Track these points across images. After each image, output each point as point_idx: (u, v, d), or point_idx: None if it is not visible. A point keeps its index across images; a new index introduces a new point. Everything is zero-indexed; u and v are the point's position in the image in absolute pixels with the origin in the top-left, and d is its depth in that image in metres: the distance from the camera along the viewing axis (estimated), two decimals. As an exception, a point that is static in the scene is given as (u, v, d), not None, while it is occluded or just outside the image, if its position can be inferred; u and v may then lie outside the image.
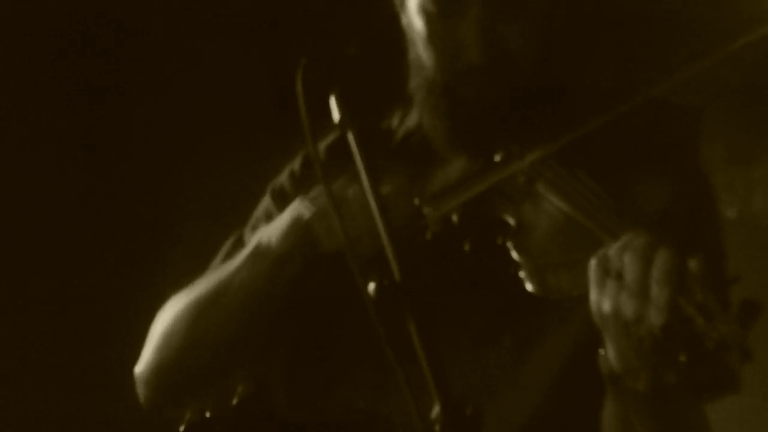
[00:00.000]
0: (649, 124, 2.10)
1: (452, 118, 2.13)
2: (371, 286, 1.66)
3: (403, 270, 1.67)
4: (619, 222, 1.89)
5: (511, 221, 2.00)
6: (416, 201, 2.07)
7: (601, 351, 1.89)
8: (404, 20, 2.20)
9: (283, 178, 2.37)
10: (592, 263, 1.83)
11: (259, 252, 2.15)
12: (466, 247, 2.02)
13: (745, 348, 1.71)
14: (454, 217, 2.04)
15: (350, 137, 1.82)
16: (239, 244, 2.31)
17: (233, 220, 2.42)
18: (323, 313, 2.20)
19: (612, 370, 1.87)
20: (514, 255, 1.96)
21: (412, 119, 2.29)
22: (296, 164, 2.37)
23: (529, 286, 1.95)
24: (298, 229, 2.12)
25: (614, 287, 1.80)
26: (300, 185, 2.30)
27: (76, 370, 3.92)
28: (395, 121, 2.32)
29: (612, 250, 1.82)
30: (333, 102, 1.86)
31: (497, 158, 2.10)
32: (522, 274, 1.96)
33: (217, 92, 4.18)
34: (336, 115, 1.86)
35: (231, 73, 4.17)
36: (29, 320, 3.95)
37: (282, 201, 2.29)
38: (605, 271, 1.82)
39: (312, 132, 1.87)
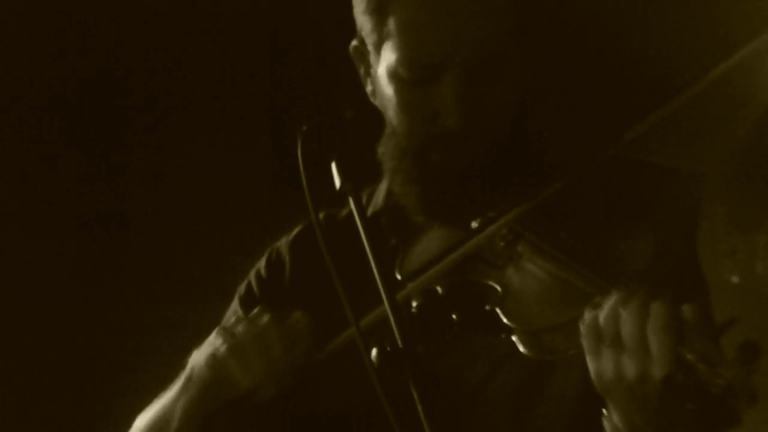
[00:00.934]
0: (645, 187, 2.10)
1: (425, 185, 2.11)
2: (373, 353, 1.65)
3: (404, 336, 1.66)
4: (607, 276, 1.88)
5: (498, 287, 1.98)
6: (398, 276, 2.06)
7: (606, 415, 1.88)
8: (369, 89, 2.20)
9: (251, 279, 2.35)
10: (583, 334, 1.82)
11: (189, 380, 2.14)
12: (454, 317, 2.01)
13: (752, 390, 1.70)
14: (439, 289, 2.02)
15: (352, 202, 1.81)
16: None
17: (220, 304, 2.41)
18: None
19: None
20: (505, 320, 1.94)
21: (379, 197, 2.27)
22: (262, 264, 2.35)
23: (523, 350, 1.94)
24: (213, 363, 2.10)
25: (612, 352, 1.79)
26: (267, 287, 2.31)
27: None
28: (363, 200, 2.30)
29: (601, 315, 1.81)
30: (334, 168, 1.86)
31: (474, 225, 2.08)
32: (514, 338, 1.94)
33: (213, 163, 4.19)
34: (338, 181, 1.85)
35: (229, 139, 4.18)
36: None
37: (250, 306, 2.27)
38: (599, 339, 1.81)
39: (313, 199, 1.87)
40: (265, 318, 2.09)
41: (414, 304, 2.03)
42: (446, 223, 2.12)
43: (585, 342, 1.82)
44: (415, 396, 1.61)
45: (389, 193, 2.25)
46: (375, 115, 2.20)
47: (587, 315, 1.83)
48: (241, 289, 2.36)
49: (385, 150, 2.16)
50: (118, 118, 4.20)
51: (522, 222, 2.02)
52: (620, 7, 4.13)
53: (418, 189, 2.13)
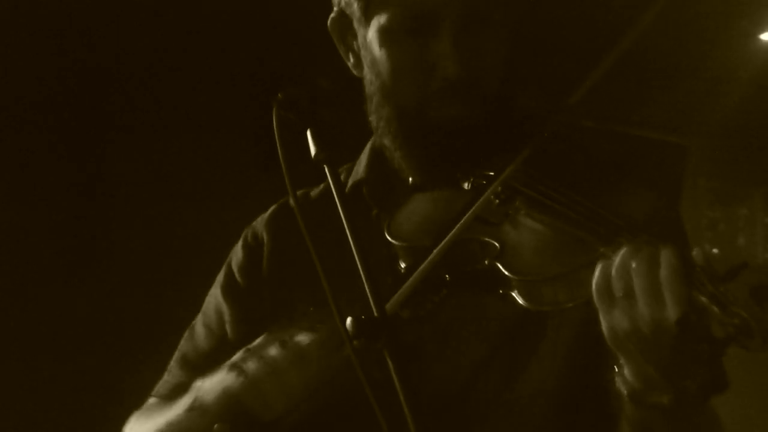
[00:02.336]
0: (634, 156, 2.09)
1: (426, 143, 2.10)
2: (348, 321, 1.63)
3: (381, 306, 1.64)
4: (609, 224, 1.87)
5: (495, 243, 1.96)
6: (389, 239, 2.04)
7: (617, 372, 1.87)
8: (351, 61, 2.19)
9: (230, 265, 2.32)
10: (595, 290, 1.80)
11: (194, 410, 2.06)
12: (447, 277, 1.98)
13: (767, 330, 1.69)
14: (431, 249, 1.98)
15: (327, 170, 1.79)
16: (191, 340, 2.28)
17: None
18: None
19: (633, 389, 1.85)
20: (506, 273, 1.92)
21: (360, 168, 2.26)
22: (238, 248, 2.33)
23: (523, 302, 1.91)
24: (228, 399, 2.01)
25: (625, 304, 1.77)
26: (246, 270, 2.27)
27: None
28: (342, 177, 2.28)
29: (612, 269, 1.79)
30: (309, 136, 1.83)
31: (466, 185, 2.07)
32: (514, 292, 1.92)
33: (199, 140, 4.18)
34: (313, 150, 1.83)
35: (214, 115, 4.17)
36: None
37: (232, 296, 2.26)
38: (611, 294, 1.79)
39: (290, 167, 1.85)
40: (274, 346, 1.99)
41: (402, 265, 2.02)
42: (445, 181, 2.10)
43: (597, 297, 1.80)
44: (390, 365, 1.59)
45: (371, 163, 2.25)
46: (352, 88, 2.18)
47: (598, 270, 1.81)
48: (221, 277, 2.33)
49: (379, 115, 2.15)
50: (101, 97, 4.18)
51: (518, 178, 2.01)
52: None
53: (419, 147, 2.12)
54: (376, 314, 1.63)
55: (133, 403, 2.26)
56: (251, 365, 1.99)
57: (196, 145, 4.22)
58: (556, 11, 4.22)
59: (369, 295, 1.67)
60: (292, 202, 1.83)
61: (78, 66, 4.13)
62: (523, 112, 2.15)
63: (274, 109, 1.87)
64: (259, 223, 2.33)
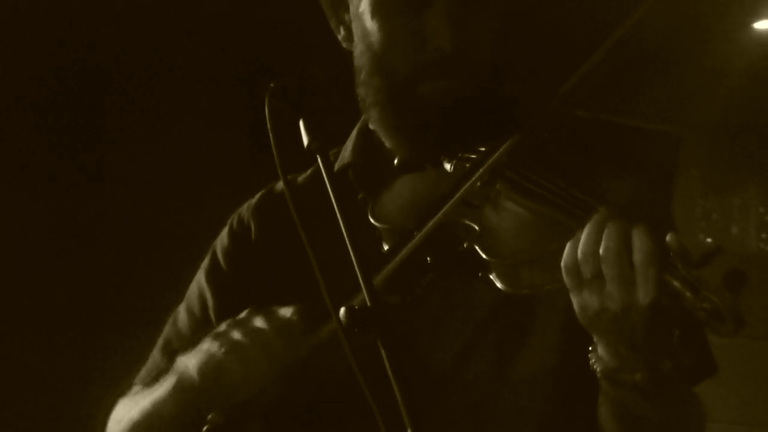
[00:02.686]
0: (624, 143, 2.08)
1: (415, 115, 2.08)
2: (342, 311, 1.63)
3: (372, 295, 1.63)
4: (586, 206, 1.86)
5: (475, 226, 1.95)
6: (372, 221, 2.03)
7: (591, 350, 1.87)
8: (341, 35, 2.18)
9: (215, 252, 2.30)
10: (563, 268, 1.80)
11: (180, 384, 2.03)
12: (429, 260, 1.98)
13: (739, 315, 1.69)
14: (413, 230, 1.98)
15: (320, 159, 1.78)
16: (174, 325, 2.27)
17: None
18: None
19: (607, 367, 1.85)
20: (483, 256, 1.91)
21: (346, 152, 2.25)
22: (224, 234, 2.31)
23: (501, 286, 1.91)
24: (210, 369, 1.98)
25: (594, 284, 1.77)
26: (232, 257, 2.26)
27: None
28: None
29: (582, 246, 1.79)
30: (302, 126, 1.83)
31: (448, 166, 2.06)
32: (492, 275, 1.92)
33: (190, 127, 4.17)
34: (305, 139, 1.82)
35: (205, 103, 4.16)
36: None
37: (217, 280, 2.24)
38: (579, 273, 1.79)
39: (282, 156, 1.84)
40: (258, 317, 1.98)
41: (386, 247, 2.01)
42: (430, 157, 2.09)
43: (566, 277, 1.80)
44: (384, 355, 1.59)
45: (357, 146, 2.23)
46: (347, 77, 2.17)
47: (567, 248, 1.81)
48: (205, 262, 2.31)
49: (368, 85, 2.13)
50: (93, 92, 4.18)
51: (499, 161, 2.00)
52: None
53: (407, 119, 2.11)
54: (369, 304, 1.63)
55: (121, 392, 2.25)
56: (236, 335, 1.98)
57: (187, 135, 4.22)
58: (558, 4, 4.22)
59: (362, 284, 1.67)
60: (284, 189, 1.83)
61: (69, 60, 4.12)
62: (514, 96, 2.14)
63: (267, 98, 1.87)
64: (246, 209, 2.32)
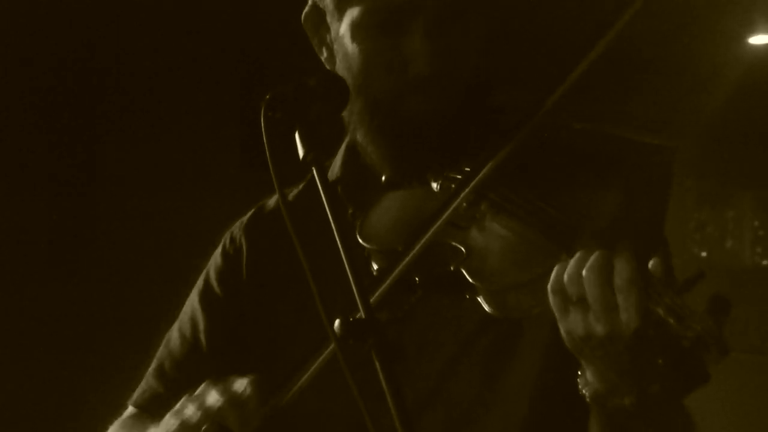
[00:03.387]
0: (615, 154, 2.08)
1: (398, 136, 2.09)
2: (336, 323, 1.63)
3: (367, 307, 1.64)
4: (569, 231, 1.87)
5: (461, 248, 1.96)
6: (360, 241, 2.03)
7: (580, 374, 1.87)
8: (324, 56, 2.19)
9: (209, 273, 2.30)
10: (550, 294, 1.80)
11: None
12: (417, 279, 1.98)
13: (722, 342, 1.69)
14: (399, 250, 1.98)
15: (315, 171, 1.78)
16: (167, 347, 2.28)
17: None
18: None
19: (595, 392, 1.85)
20: (470, 280, 1.92)
21: (335, 167, 2.25)
22: (218, 254, 2.31)
23: (488, 309, 1.91)
24: None
25: (579, 311, 1.77)
26: (225, 278, 2.26)
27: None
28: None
29: (566, 274, 1.79)
30: (298, 137, 1.83)
31: (434, 185, 2.07)
32: (479, 298, 1.92)
33: (185, 137, 4.17)
34: (301, 151, 1.82)
35: (200, 112, 4.16)
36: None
37: (209, 303, 2.25)
38: (565, 299, 1.79)
39: (278, 168, 1.84)
40: (213, 391, 2.00)
41: (375, 267, 2.02)
42: (417, 177, 2.10)
43: (552, 302, 1.80)
44: (378, 367, 1.59)
45: (346, 162, 2.24)
46: (340, 85, 2.17)
47: (553, 275, 1.81)
48: (200, 283, 2.31)
49: (351, 109, 2.13)
50: (90, 95, 4.18)
51: (484, 182, 2.00)
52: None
53: (391, 141, 2.11)
54: (363, 316, 1.63)
55: (116, 402, 2.25)
56: (189, 411, 2.01)
57: (184, 139, 4.22)
58: (549, 12, 4.22)
59: (357, 296, 1.67)
60: (279, 203, 1.82)
61: (68, 66, 4.12)
62: (499, 107, 2.15)
63: (262, 109, 1.87)
64: (237, 228, 2.31)
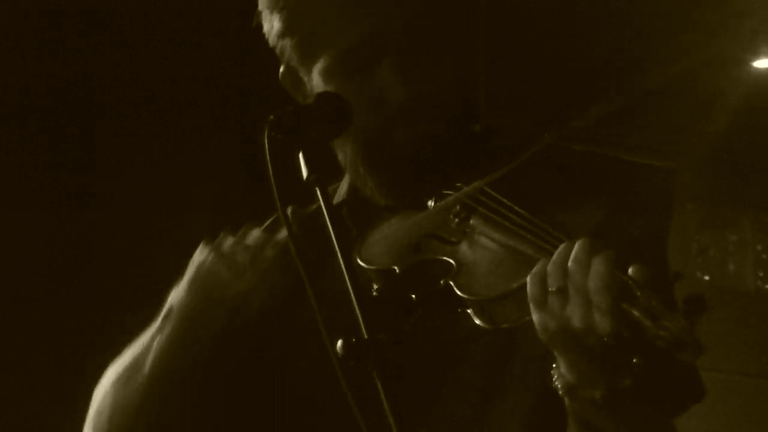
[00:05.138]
0: (606, 174, 2.11)
1: (391, 167, 2.13)
2: (339, 344, 1.64)
3: (369, 327, 1.64)
4: (554, 241, 1.89)
5: (452, 262, 1.99)
6: (359, 262, 2.06)
7: (554, 367, 1.89)
8: (301, 98, 2.20)
9: None
10: (529, 283, 1.83)
11: (169, 312, 2.12)
12: (414, 297, 2.00)
13: (696, 342, 1.71)
14: (396, 269, 2.03)
15: (318, 193, 1.79)
16: None
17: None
18: (259, 384, 2.16)
19: (567, 384, 1.87)
20: (459, 293, 1.95)
21: (343, 189, 2.28)
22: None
23: (478, 322, 1.95)
24: (199, 276, 2.10)
25: (557, 302, 1.81)
26: None
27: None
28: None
29: (550, 265, 1.83)
30: (301, 158, 1.84)
31: (431, 204, 2.10)
32: (469, 311, 1.95)
33: (185, 156, 4.17)
34: (304, 172, 1.83)
35: (200, 132, 4.16)
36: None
37: None
38: (544, 289, 1.82)
39: (281, 191, 1.85)
40: (254, 232, 2.07)
41: (374, 287, 2.04)
42: (415, 202, 2.12)
43: (530, 289, 1.84)
44: (379, 387, 1.59)
45: (350, 186, 2.26)
46: (342, 107, 2.19)
47: (536, 266, 1.85)
48: None
49: (344, 152, 2.17)
50: (90, 111, 4.18)
51: (474, 197, 2.04)
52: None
53: (386, 173, 2.14)
54: (366, 336, 1.64)
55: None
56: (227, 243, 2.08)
57: (187, 159, 4.22)
58: (550, 34, 4.23)
59: (359, 316, 1.68)
60: (284, 224, 1.83)
61: (68, 80, 4.13)
62: (493, 126, 2.17)
63: (266, 130, 1.88)
64: None
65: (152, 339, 2.12)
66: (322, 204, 1.78)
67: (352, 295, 1.70)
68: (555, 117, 2.07)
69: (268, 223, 2.18)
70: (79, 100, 4.16)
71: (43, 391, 4.01)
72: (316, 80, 2.14)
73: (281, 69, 2.22)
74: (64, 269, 4.11)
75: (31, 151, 4.12)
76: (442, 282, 1.97)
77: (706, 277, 5.41)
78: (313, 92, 2.16)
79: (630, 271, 1.77)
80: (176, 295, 2.13)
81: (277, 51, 2.19)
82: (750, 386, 5.43)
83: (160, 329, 2.12)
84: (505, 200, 2.00)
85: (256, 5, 2.23)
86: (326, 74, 2.12)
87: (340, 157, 2.18)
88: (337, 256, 1.72)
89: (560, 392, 1.89)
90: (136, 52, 4.14)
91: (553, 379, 1.89)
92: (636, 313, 1.74)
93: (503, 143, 2.12)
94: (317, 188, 1.82)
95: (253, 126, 1.92)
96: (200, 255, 2.12)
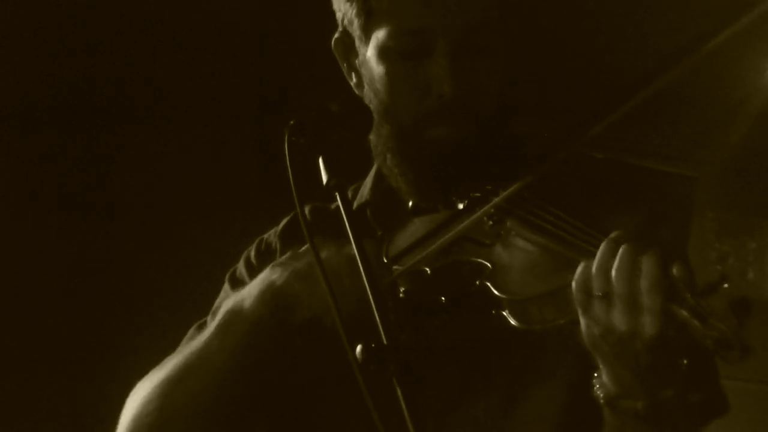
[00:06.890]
0: (635, 183, 2.10)
1: (422, 162, 2.13)
2: (358, 349, 1.63)
3: (389, 332, 1.64)
4: (594, 242, 1.87)
5: (487, 264, 1.98)
6: (384, 260, 2.05)
7: (596, 376, 1.87)
8: (353, 81, 2.22)
9: (240, 266, 2.33)
10: (574, 287, 1.81)
11: (231, 319, 2.07)
12: (443, 299, 2.00)
13: (745, 342, 1.69)
14: (427, 270, 2.02)
15: (339, 198, 1.79)
16: (203, 328, 2.25)
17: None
18: (304, 388, 2.15)
19: (608, 393, 1.85)
20: (495, 293, 1.94)
21: (365, 190, 2.29)
22: (252, 252, 2.34)
23: (513, 322, 1.93)
24: (271, 292, 2.04)
25: (602, 306, 1.78)
26: (256, 273, 2.23)
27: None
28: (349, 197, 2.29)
29: (594, 267, 1.81)
30: (321, 163, 1.84)
31: (460, 206, 2.09)
32: (505, 312, 1.94)
33: (202, 159, 4.18)
34: (324, 177, 1.83)
35: (217, 135, 4.17)
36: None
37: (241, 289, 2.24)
38: (588, 293, 1.80)
39: (300, 194, 1.85)
40: (326, 248, 2.01)
41: (402, 289, 2.03)
42: (441, 202, 2.12)
43: (576, 294, 1.82)
44: (399, 393, 1.59)
45: (375, 186, 2.27)
46: (362, 111, 2.19)
47: (579, 270, 1.82)
48: (233, 273, 2.33)
49: (378, 134, 2.16)
50: (105, 116, 4.19)
51: (509, 199, 2.03)
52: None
53: (416, 167, 2.14)
54: (385, 342, 1.64)
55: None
56: (297, 263, 2.03)
57: (199, 165, 4.23)
58: (565, 42, 4.23)
59: (378, 321, 1.68)
60: (303, 230, 1.83)
61: (86, 87, 4.14)
62: (522, 135, 2.17)
63: (286, 135, 1.88)
64: (272, 234, 2.35)
65: (208, 344, 2.08)
66: (342, 209, 1.78)
67: (371, 299, 1.70)
68: (578, 125, 2.06)
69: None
70: (93, 105, 4.17)
71: (63, 395, 4.02)
72: (370, 53, 2.14)
73: (336, 33, 2.21)
74: (80, 275, 4.11)
75: (49, 157, 4.13)
76: (477, 282, 1.96)
77: (726, 285, 5.38)
78: (362, 65, 2.17)
79: (674, 270, 1.74)
80: (240, 301, 2.07)
81: (340, 13, 2.19)
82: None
83: (219, 335, 2.07)
84: (542, 202, 2.00)
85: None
86: (381, 50, 2.12)
87: (373, 139, 2.18)
88: (356, 261, 1.72)
89: (601, 402, 1.87)
90: (156, 63, 4.14)
91: (595, 388, 1.87)
92: (685, 313, 1.72)
93: (531, 150, 2.12)
94: (337, 194, 1.82)
95: (271, 131, 1.92)
96: (270, 274, 2.06)
